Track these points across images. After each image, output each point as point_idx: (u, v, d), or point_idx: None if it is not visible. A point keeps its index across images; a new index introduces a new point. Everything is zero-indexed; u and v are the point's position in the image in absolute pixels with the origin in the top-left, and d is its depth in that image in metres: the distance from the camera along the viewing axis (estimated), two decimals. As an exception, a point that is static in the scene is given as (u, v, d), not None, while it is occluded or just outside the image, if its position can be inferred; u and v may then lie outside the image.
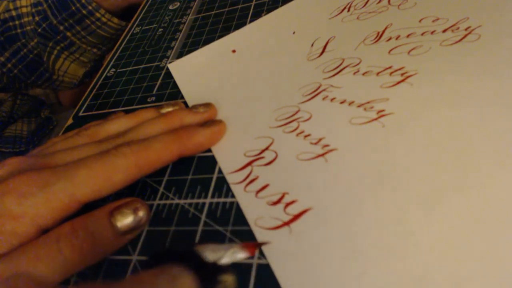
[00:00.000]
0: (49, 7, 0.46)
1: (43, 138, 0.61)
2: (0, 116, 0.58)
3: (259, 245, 0.18)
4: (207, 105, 0.28)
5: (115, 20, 0.48)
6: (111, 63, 0.41)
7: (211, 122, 0.26)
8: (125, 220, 0.20)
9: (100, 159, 0.22)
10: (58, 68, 0.51)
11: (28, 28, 0.47)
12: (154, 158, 0.23)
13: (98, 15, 0.46)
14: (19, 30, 0.47)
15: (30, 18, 0.47)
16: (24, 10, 0.47)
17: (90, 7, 0.45)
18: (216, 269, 0.15)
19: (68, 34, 0.47)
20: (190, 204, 0.23)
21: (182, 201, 0.24)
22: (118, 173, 0.22)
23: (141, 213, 0.21)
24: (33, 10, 0.47)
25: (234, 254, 0.16)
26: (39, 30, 0.46)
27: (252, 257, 0.18)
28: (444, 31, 0.26)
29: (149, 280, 0.14)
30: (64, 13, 0.45)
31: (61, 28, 0.46)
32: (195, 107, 0.28)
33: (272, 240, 0.19)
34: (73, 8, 0.45)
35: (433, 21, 0.27)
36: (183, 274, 0.14)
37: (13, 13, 0.47)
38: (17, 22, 0.47)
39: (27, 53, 0.48)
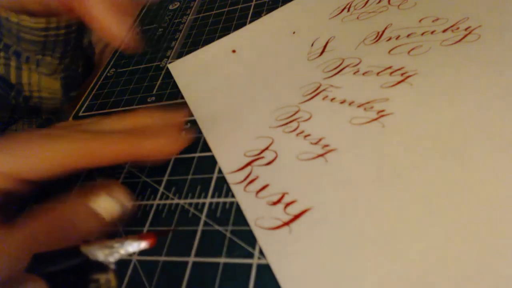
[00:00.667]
0: None
1: None
2: (2, 117, 0.57)
3: (160, 234, 0.17)
4: (177, 109, 0.26)
5: (31, 19, 0.37)
6: (111, 63, 0.41)
7: (172, 131, 0.24)
8: (105, 204, 0.20)
9: (44, 137, 0.21)
10: (27, 82, 0.44)
11: None
12: (98, 151, 0.22)
13: (13, 18, 0.37)
14: None
15: None
16: None
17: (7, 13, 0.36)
18: (90, 267, 0.15)
19: (8, 41, 0.40)
20: (190, 204, 0.23)
21: (182, 201, 0.24)
22: (59, 155, 0.21)
23: (120, 196, 0.20)
24: None
25: (128, 247, 0.15)
26: None
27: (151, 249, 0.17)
28: (444, 31, 0.26)
29: None
30: None
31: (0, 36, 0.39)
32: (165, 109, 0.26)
33: (272, 240, 0.19)
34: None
35: (433, 21, 0.27)
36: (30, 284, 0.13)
37: None
38: None
39: None
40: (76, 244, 0.15)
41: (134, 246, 0.16)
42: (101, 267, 0.15)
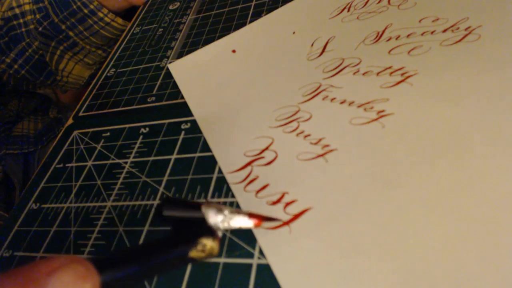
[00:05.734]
0: (50, 3, 0.44)
1: (51, 140, 0.60)
2: (8, 116, 0.57)
3: (266, 219, 0.18)
4: None
5: (119, 20, 0.46)
6: (111, 63, 0.41)
7: None
8: None
9: None
10: (62, 69, 0.50)
11: (32, 26, 0.46)
12: None
13: (100, 14, 0.44)
14: (23, 29, 0.46)
15: (33, 16, 0.46)
16: (27, 7, 0.46)
17: (91, 6, 0.44)
18: (202, 228, 0.16)
19: (71, 33, 0.46)
20: (190, 204, 0.23)
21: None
22: None
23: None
24: (34, 7, 0.46)
25: (237, 221, 0.16)
26: (40, 28, 0.45)
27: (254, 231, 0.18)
28: (444, 31, 0.26)
29: (44, 278, 0.12)
30: (65, 12, 0.44)
31: (63, 27, 0.45)
32: None
33: (272, 240, 0.19)
34: (74, 6, 0.43)
35: (433, 21, 0.27)
36: (86, 276, 0.13)
37: (17, 10, 0.46)
38: (21, 21, 0.46)
39: (33, 53, 0.47)
40: (200, 202, 0.17)
41: (242, 222, 0.16)
42: (210, 232, 0.16)
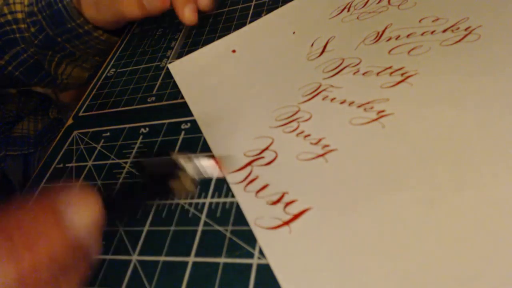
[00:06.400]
0: (43, 19, 0.44)
1: (52, 141, 0.60)
2: (8, 116, 0.57)
3: (223, 158, 0.21)
4: None
5: (115, 38, 0.46)
6: (111, 63, 0.41)
7: None
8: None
9: None
10: (61, 72, 0.50)
11: (27, 34, 0.46)
12: None
13: (96, 34, 0.44)
14: (17, 35, 0.46)
15: (26, 26, 0.46)
16: (19, 15, 0.46)
17: (86, 27, 0.43)
18: (179, 170, 0.20)
19: (67, 45, 0.46)
20: (190, 204, 0.23)
21: (182, 201, 0.24)
22: None
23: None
24: (28, 20, 0.46)
25: (204, 164, 0.20)
26: (36, 41, 0.45)
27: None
28: (444, 31, 0.26)
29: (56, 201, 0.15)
30: (60, 28, 0.44)
31: (59, 39, 0.45)
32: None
33: (272, 239, 0.19)
34: (69, 26, 0.43)
35: (433, 21, 0.27)
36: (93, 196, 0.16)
37: (9, 17, 0.46)
38: (14, 27, 0.46)
39: (28, 58, 0.47)
40: (168, 154, 0.21)
41: (206, 164, 0.20)
42: (185, 173, 0.20)
